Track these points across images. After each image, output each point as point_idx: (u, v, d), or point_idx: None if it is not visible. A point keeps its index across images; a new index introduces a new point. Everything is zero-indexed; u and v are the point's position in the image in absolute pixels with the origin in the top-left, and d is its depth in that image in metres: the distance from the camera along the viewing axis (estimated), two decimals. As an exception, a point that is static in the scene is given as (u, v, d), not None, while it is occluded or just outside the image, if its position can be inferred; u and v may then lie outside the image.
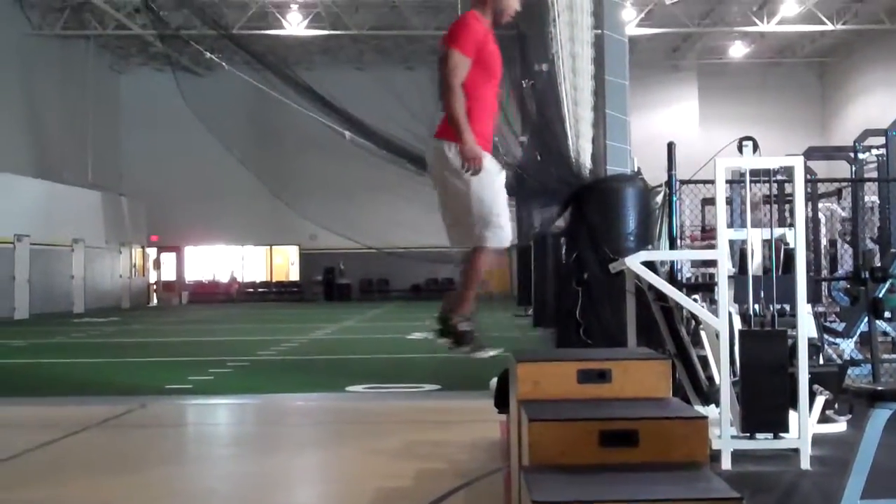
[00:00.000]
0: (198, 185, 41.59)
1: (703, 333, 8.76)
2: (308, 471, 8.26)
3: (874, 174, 17.92)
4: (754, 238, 8.37)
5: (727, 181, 10.08)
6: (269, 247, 46.43)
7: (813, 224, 17.54)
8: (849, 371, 9.47)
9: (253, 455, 8.95)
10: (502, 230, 5.69)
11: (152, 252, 45.11)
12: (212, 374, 14.72)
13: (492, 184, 5.64)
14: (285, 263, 46.99)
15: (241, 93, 26.73)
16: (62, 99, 37.42)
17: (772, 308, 7.62)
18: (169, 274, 46.45)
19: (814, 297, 11.01)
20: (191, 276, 46.49)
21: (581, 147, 10.29)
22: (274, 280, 46.81)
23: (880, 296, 10.47)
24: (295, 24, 35.35)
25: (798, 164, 7.45)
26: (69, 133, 37.50)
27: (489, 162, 5.64)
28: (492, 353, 5.72)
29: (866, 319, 10.64)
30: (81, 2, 34.02)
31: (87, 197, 37.33)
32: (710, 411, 7.48)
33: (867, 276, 10.48)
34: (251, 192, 29.44)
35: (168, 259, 46.37)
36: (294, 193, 34.06)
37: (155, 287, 45.68)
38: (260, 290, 46.19)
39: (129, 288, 41.34)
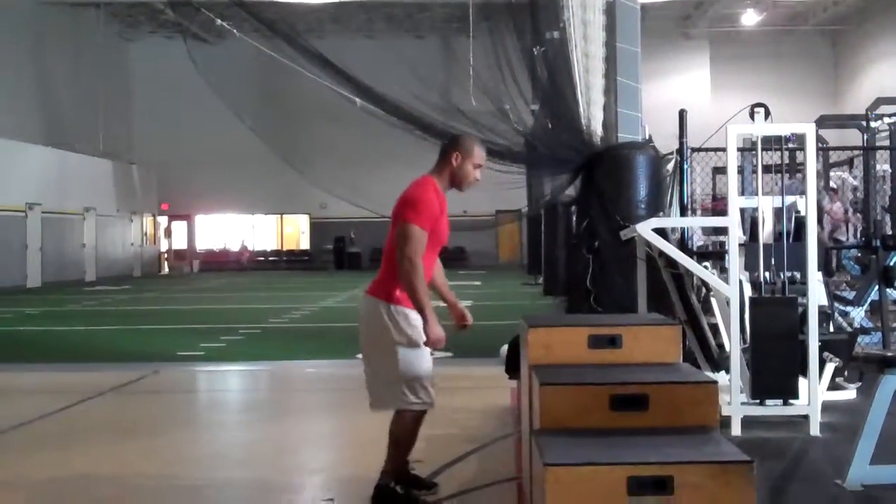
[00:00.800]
0: (208, 153, 41.55)
1: (713, 301, 8.78)
2: (320, 436, 8.32)
3: (886, 143, 17.88)
4: (765, 206, 8.37)
5: (738, 149, 10.07)
6: (279, 215, 46.44)
7: (825, 192, 17.53)
8: (859, 339, 9.49)
9: (265, 421, 9.02)
10: (427, 392, 5.54)
11: (163, 220, 45.15)
12: (223, 342, 14.80)
13: (421, 350, 5.52)
14: (296, 232, 47.01)
15: (252, 61, 26.64)
16: (73, 67, 37.37)
17: (782, 276, 7.64)
18: (180, 242, 46.51)
19: (825, 266, 11.00)
20: (202, 244, 46.53)
21: (592, 115, 10.29)
22: (284, 249, 46.84)
23: (891, 264, 10.46)
24: (305, -8, 35.25)
25: (809, 130, 7.44)
26: (80, 101, 37.47)
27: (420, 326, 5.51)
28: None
29: (877, 288, 10.64)
30: (92, -31, 34.00)
31: (98, 165, 37.36)
32: (721, 378, 7.52)
33: (878, 244, 10.48)
34: (262, 160, 29.49)
35: (179, 227, 46.41)
36: (304, 161, 33.98)
37: (166, 255, 45.75)
38: (270, 258, 46.25)
39: (141, 256, 41.42)
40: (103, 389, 10.33)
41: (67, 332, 17.83)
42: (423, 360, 5.53)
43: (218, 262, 45.01)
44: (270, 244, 47.01)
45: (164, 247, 45.65)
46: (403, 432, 5.54)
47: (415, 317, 5.47)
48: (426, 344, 5.51)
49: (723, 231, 8.72)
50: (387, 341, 5.47)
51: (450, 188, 5.71)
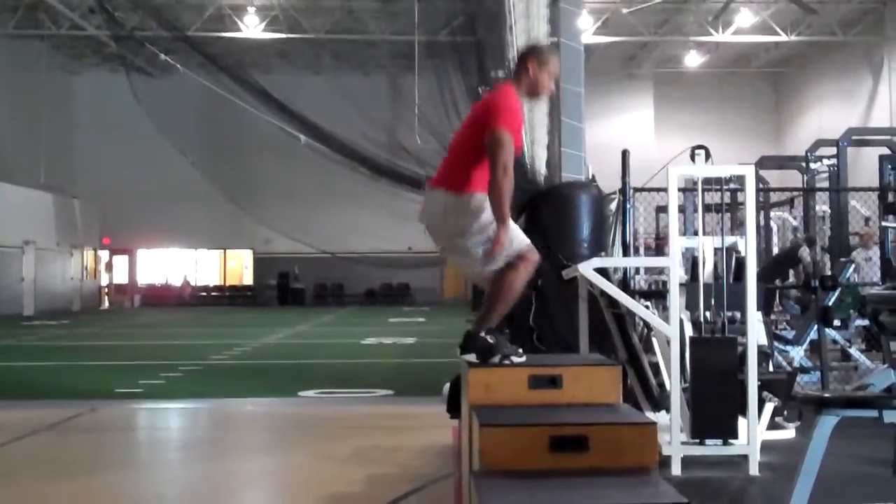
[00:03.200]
0: (151, 187, 41.23)
1: (654, 340, 8.80)
2: (258, 476, 8.21)
3: (826, 184, 18.14)
4: (706, 246, 8.44)
5: (680, 189, 10.15)
6: (222, 250, 46.15)
7: (765, 232, 17.75)
8: (798, 378, 9.57)
9: (203, 460, 8.90)
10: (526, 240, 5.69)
11: (104, 255, 44.69)
12: (163, 378, 14.61)
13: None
14: (239, 267, 46.73)
15: (196, 95, 26.51)
16: (14, 99, 36.99)
17: (722, 315, 7.68)
18: (121, 277, 46.03)
19: (765, 306, 11.10)
20: (143, 279, 46.10)
21: (536, 153, 10.32)
22: (227, 284, 46.54)
23: (830, 304, 10.58)
24: (252, 27, 35.14)
25: (749, 172, 7.51)
26: (21, 133, 37.07)
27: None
28: (520, 359, 5.58)
29: (816, 327, 10.75)
30: (35, 1, 33.65)
31: (38, 198, 36.92)
32: (661, 417, 7.52)
33: (817, 284, 10.60)
34: (205, 195, 29.35)
35: (120, 262, 45.95)
36: (248, 197, 33.82)
37: (107, 290, 45.25)
38: (213, 293, 45.90)
39: (81, 291, 40.91)
40: (38, 427, 10.14)
41: (2, 367, 17.52)
42: (516, 231, 5.67)
43: (159, 297, 44.56)
44: (213, 279, 46.67)
45: (104, 281, 45.14)
46: (510, 287, 5.60)
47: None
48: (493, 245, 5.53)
49: (665, 270, 8.77)
50: (480, 226, 5.57)
51: (527, 96, 5.87)
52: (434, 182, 5.77)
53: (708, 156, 7.67)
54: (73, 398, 12.44)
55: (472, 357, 5.38)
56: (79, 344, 22.73)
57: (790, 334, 11.83)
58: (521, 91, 5.78)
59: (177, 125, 26.10)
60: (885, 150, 15.99)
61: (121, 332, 27.65)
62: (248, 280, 46.22)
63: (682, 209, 14.37)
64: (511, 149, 5.53)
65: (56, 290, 38.38)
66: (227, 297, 45.52)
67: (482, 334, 5.45)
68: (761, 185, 16.82)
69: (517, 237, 5.66)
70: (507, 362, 5.35)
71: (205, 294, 45.71)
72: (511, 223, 5.64)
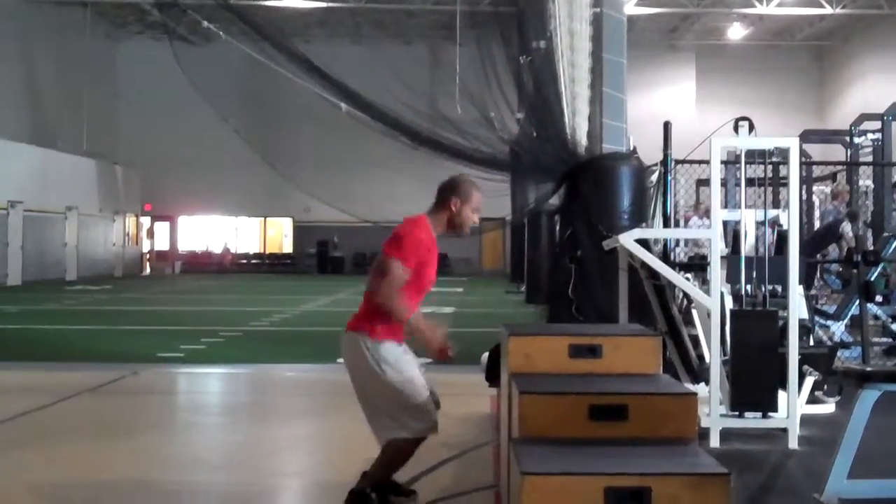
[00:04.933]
0: (193, 155, 41.39)
1: (694, 312, 8.80)
2: (298, 440, 8.29)
3: (869, 158, 17.96)
4: (748, 219, 8.40)
5: (722, 162, 10.08)
6: (262, 218, 46.33)
7: (807, 207, 17.61)
8: (839, 353, 9.52)
9: (243, 424, 9.00)
10: (428, 416, 5.45)
11: (146, 221, 45.01)
12: (204, 344, 14.74)
13: (413, 376, 5.44)
14: (279, 235, 46.89)
15: (238, 64, 26.52)
16: (58, 66, 37.21)
17: (763, 289, 7.65)
18: (162, 243, 46.35)
19: (806, 280, 11.05)
20: (184, 245, 46.39)
21: (577, 124, 10.29)
22: (267, 252, 46.74)
23: (872, 279, 10.50)
24: (294, -4, 35.16)
25: (793, 144, 7.47)
26: (65, 100, 37.31)
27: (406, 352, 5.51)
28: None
29: (857, 302, 10.68)
30: (79, -32, 33.86)
31: (81, 164, 37.20)
32: (700, 389, 7.52)
33: (859, 259, 10.52)
34: (246, 163, 29.33)
35: (162, 228, 46.26)
36: (288, 165, 33.88)
37: (148, 256, 45.60)
38: (253, 261, 46.12)
39: (122, 256, 41.26)
40: (81, 389, 10.27)
41: (46, 331, 17.73)
42: (417, 385, 5.43)
43: (200, 264, 44.86)
44: (253, 247, 46.88)
45: (146, 247, 45.49)
46: (400, 453, 5.48)
47: (398, 349, 5.44)
48: (435, 356, 5.48)
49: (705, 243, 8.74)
50: (378, 377, 5.39)
51: (447, 232, 5.64)
52: (348, 326, 5.57)
53: (752, 128, 7.62)
54: (115, 362, 12.58)
55: None
56: (121, 309, 22.95)
57: (831, 309, 11.76)
58: (438, 226, 5.57)
59: (219, 93, 26.16)
60: (931, 125, 15.81)
61: (162, 297, 27.89)
62: (288, 248, 46.39)
63: (723, 182, 14.28)
64: (398, 278, 5.28)
65: (98, 255, 38.72)
66: (267, 264, 45.73)
67: (368, 492, 5.44)
68: (804, 159, 16.68)
69: (412, 391, 5.42)
70: None
71: (245, 261, 45.93)
72: (417, 376, 5.46)
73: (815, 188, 18.75)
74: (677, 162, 10.57)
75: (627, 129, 11.15)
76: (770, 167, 8.22)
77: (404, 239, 5.39)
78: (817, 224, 17.79)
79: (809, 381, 7.96)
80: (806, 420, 7.60)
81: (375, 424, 5.52)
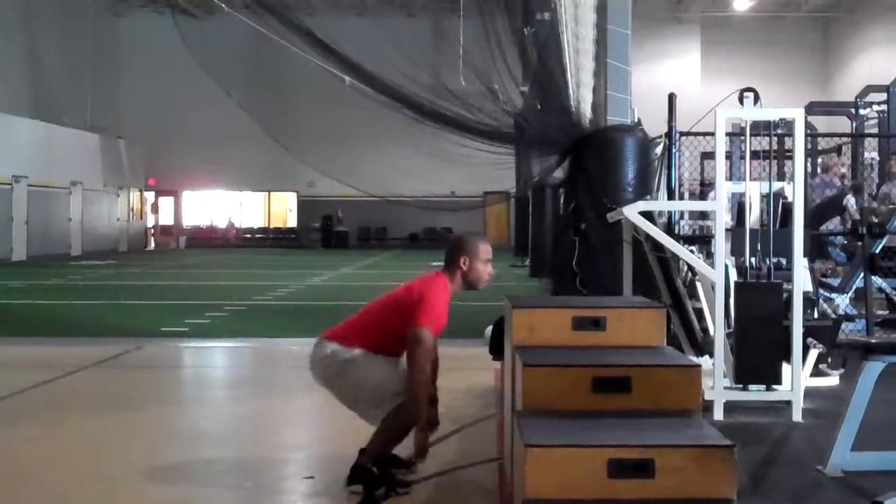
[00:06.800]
0: (197, 129, 41.36)
1: (698, 285, 8.79)
2: (301, 413, 8.30)
3: (874, 130, 17.90)
4: (752, 191, 8.37)
5: (727, 134, 10.04)
6: (266, 193, 46.34)
7: (812, 179, 17.55)
8: (843, 326, 9.51)
9: (247, 398, 9.02)
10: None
11: (150, 196, 45.03)
12: (208, 318, 14.77)
13: (387, 361, 5.53)
14: (283, 210, 46.93)
15: (242, 37, 26.45)
16: (62, 41, 37.13)
17: (768, 261, 7.63)
18: (166, 218, 46.41)
19: (811, 253, 11.03)
20: (188, 220, 46.45)
21: (582, 96, 10.24)
22: (271, 226, 46.77)
23: (877, 252, 10.48)
24: (297, -32, 35.03)
25: (798, 116, 7.42)
26: (69, 75, 37.27)
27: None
28: (405, 490, 5.54)
29: (862, 275, 10.66)
30: (81, -59, 33.71)
31: (85, 139, 37.18)
32: (704, 362, 7.52)
33: (864, 232, 10.49)
34: (250, 137, 29.26)
35: (166, 203, 46.30)
36: (292, 138, 33.84)
37: (152, 231, 45.65)
38: (257, 235, 46.18)
39: (127, 231, 41.30)
40: (86, 364, 10.30)
41: (51, 305, 17.77)
42: (392, 374, 5.52)
43: (204, 239, 44.92)
44: (257, 221, 46.93)
45: (150, 222, 45.54)
46: (400, 427, 5.50)
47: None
48: (417, 455, 5.53)
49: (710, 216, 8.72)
50: (349, 375, 5.51)
51: (465, 290, 5.69)
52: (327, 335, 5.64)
53: (757, 98, 7.58)
54: (119, 336, 12.61)
55: (358, 489, 5.40)
56: (125, 283, 22.98)
57: (835, 282, 11.74)
58: (455, 285, 5.63)
59: (222, 66, 26.10)
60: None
61: (166, 272, 27.91)
62: (292, 223, 46.43)
63: (728, 155, 14.24)
64: (430, 349, 5.40)
65: (102, 230, 38.76)
66: (271, 239, 45.77)
67: (369, 466, 5.44)
68: (809, 131, 16.62)
69: (392, 376, 5.52)
70: (392, 494, 5.40)
71: (249, 236, 46.00)
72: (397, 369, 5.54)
73: (819, 160, 18.69)
74: (682, 134, 10.53)
75: (632, 101, 11.09)
76: (775, 139, 8.17)
77: (433, 308, 5.43)
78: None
79: (813, 354, 7.95)
80: (810, 393, 7.60)
81: (366, 417, 5.61)
